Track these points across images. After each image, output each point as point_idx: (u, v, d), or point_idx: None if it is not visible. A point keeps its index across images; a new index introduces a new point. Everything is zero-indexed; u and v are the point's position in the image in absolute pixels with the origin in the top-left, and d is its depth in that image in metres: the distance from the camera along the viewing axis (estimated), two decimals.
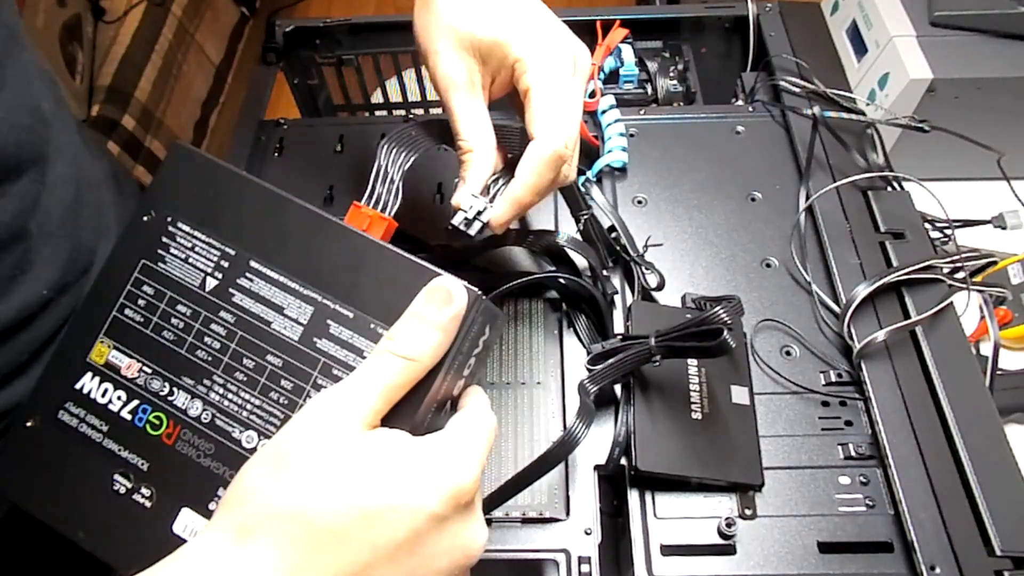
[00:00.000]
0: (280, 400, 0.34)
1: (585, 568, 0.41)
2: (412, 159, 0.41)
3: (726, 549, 0.41)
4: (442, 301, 0.31)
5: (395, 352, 0.30)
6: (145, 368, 0.36)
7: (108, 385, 0.36)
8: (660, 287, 0.50)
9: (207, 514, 0.34)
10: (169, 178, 0.37)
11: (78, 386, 0.36)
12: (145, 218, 0.37)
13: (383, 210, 0.39)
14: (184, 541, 0.33)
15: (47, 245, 0.44)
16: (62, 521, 0.35)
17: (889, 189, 0.55)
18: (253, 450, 0.34)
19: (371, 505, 0.27)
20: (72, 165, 0.47)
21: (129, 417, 0.35)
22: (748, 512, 0.42)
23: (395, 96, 0.78)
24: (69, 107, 0.50)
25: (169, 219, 0.36)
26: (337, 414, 0.29)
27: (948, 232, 0.55)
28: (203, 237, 0.36)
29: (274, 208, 0.35)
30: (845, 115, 0.58)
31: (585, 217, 0.50)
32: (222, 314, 0.35)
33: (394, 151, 0.41)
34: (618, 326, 0.49)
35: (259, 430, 0.34)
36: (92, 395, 0.36)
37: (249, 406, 0.34)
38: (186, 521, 0.34)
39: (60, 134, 0.46)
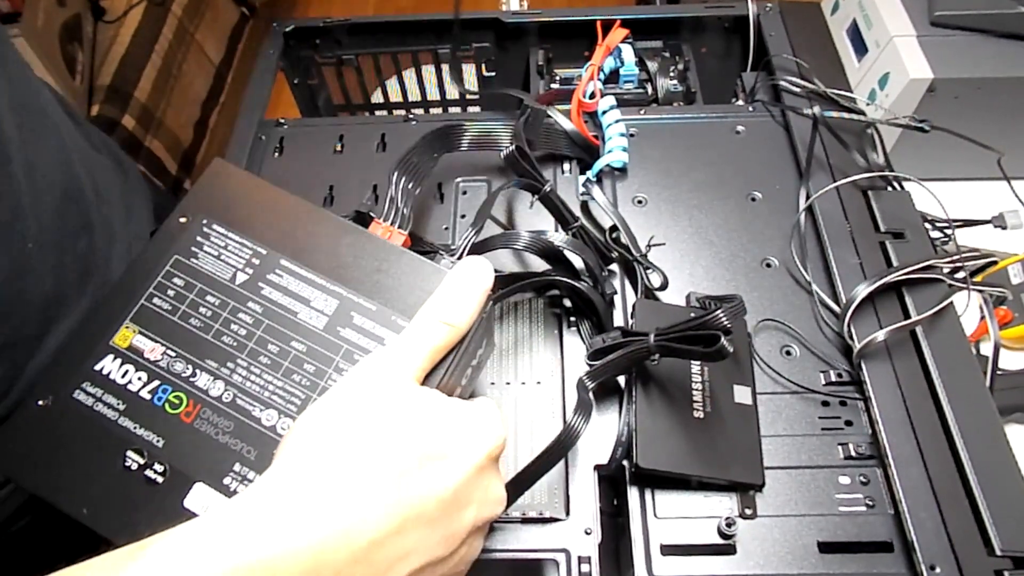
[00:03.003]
0: (302, 382, 0.36)
1: (585, 568, 0.41)
2: (420, 188, 0.45)
3: (726, 549, 0.41)
4: (475, 275, 0.35)
5: (438, 317, 0.33)
6: (169, 352, 0.37)
7: (129, 367, 0.37)
8: (664, 287, 0.50)
9: (221, 488, 0.34)
10: (208, 188, 0.40)
11: (98, 367, 0.37)
12: (182, 219, 0.39)
13: (399, 227, 0.42)
14: (195, 516, 0.33)
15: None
16: (65, 498, 0.35)
17: (889, 189, 0.55)
18: (272, 428, 0.35)
19: (429, 448, 0.29)
20: (64, 152, 0.48)
21: (148, 396, 0.36)
22: (748, 512, 0.42)
23: (395, 96, 0.78)
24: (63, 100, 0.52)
25: (205, 222, 0.39)
26: (391, 368, 0.31)
27: (948, 232, 0.55)
28: (237, 237, 0.38)
29: (306, 218, 0.38)
30: (845, 115, 0.58)
31: (575, 228, 0.50)
32: (250, 304, 0.37)
33: (403, 180, 0.44)
34: (618, 323, 0.49)
35: (280, 409, 0.35)
36: (111, 376, 0.37)
37: (271, 387, 0.36)
38: (199, 496, 0.34)
39: (56, 120, 0.47)
